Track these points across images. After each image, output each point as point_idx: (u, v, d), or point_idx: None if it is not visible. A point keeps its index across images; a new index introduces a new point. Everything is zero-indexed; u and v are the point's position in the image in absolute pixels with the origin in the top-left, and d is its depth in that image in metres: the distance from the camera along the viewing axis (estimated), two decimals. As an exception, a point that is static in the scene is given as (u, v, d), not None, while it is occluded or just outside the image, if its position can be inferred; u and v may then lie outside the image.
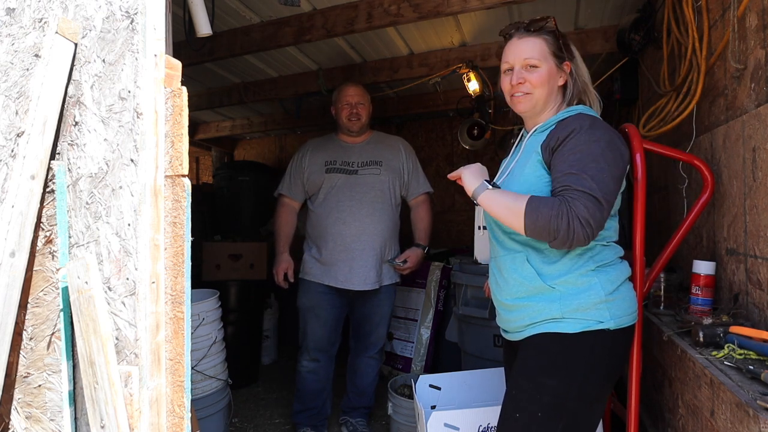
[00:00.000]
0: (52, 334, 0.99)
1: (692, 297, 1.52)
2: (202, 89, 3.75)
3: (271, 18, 2.58)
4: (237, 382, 2.97)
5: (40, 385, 1.00)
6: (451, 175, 1.45)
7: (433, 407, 2.14)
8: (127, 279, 0.97)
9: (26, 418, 1.01)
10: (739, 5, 1.38)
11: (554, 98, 1.39)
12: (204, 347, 2.37)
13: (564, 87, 1.40)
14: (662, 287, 1.69)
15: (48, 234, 1.01)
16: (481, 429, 1.84)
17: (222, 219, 4.38)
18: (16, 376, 1.01)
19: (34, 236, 1.00)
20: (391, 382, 2.70)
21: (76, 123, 1.02)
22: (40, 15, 1.06)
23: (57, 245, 1.00)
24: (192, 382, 1.91)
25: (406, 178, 2.66)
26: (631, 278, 1.39)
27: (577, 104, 1.40)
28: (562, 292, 1.27)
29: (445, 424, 1.84)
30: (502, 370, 1.70)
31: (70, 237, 1.02)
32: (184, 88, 1.05)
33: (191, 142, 2.95)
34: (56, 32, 1.01)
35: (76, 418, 1.00)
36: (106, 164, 1.00)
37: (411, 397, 2.43)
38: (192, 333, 1.97)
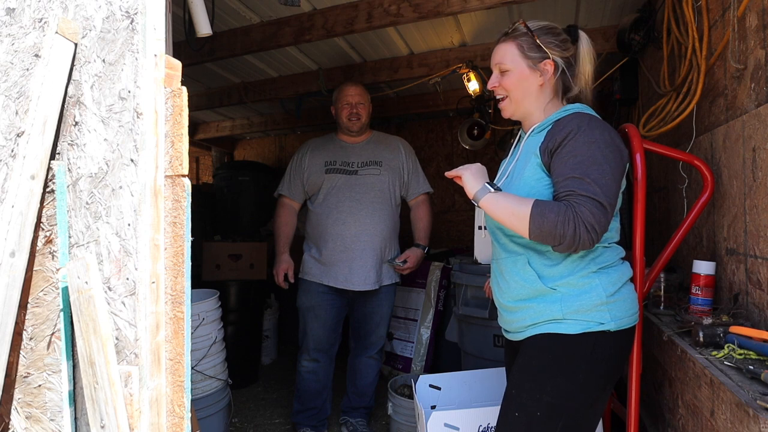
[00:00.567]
0: (52, 334, 0.99)
1: (692, 297, 1.52)
2: (202, 89, 3.75)
3: (271, 18, 2.58)
4: (237, 382, 2.97)
5: (40, 385, 1.00)
6: (450, 174, 1.42)
7: (433, 407, 2.14)
8: (127, 279, 0.97)
9: (26, 418, 1.01)
10: (739, 5, 1.38)
11: (539, 98, 1.38)
12: (204, 347, 2.37)
13: (555, 85, 1.39)
14: (662, 287, 1.70)
15: (48, 234, 1.01)
16: (481, 429, 1.84)
17: (222, 219, 4.38)
18: (16, 376, 1.01)
19: (34, 236, 1.00)
20: (391, 382, 2.70)
21: (76, 123, 1.03)
22: (40, 15, 1.06)
23: (57, 245, 1.00)
24: (192, 382, 1.92)
25: (406, 178, 2.66)
26: (632, 279, 1.39)
27: (574, 101, 1.40)
28: (563, 294, 1.27)
29: (445, 424, 1.84)
30: (502, 370, 1.70)
31: (70, 237, 1.02)
32: (184, 88, 1.05)
33: (191, 142, 2.95)
34: (56, 32, 1.01)
35: (76, 418, 1.00)
36: (106, 164, 1.00)
37: (411, 397, 2.44)
38: (192, 333, 1.97)
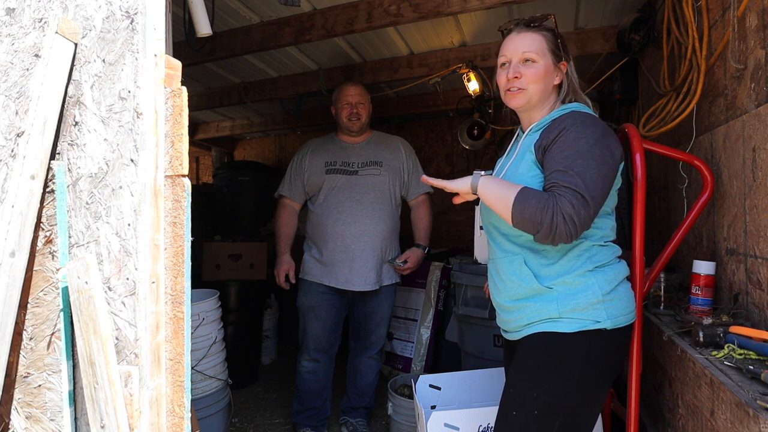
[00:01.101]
0: (52, 334, 0.99)
1: (692, 297, 1.52)
2: (202, 89, 3.75)
3: (271, 18, 2.58)
4: (237, 382, 2.97)
5: (40, 385, 1.00)
6: (436, 183, 1.37)
7: (433, 407, 2.14)
8: (127, 279, 0.97)
9: (26, 418, 1.01)
10: (739, 5, 1.38)
11: (549, 97, 1.38)
12: (204, 347, 2.37)
13: (560, 86, 1.39)
14: (662, 287, 1.70)
15: (48, 234, 1.01)
16: (481, 429, 1.84)
17: (222, 219, 4.37)
18: (16, 376, 1.01)
19: (34, 236, 1.00)
20: (391, 382, 2.70)
21: (76, 123, 1.03)
22: (40, 15, 1.06)
23: (57, 245, 1.00)
24: (192, 382, 1.92)
25: (406, 179, 2.66)
26: (629, 278, 1.39)
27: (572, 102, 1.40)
28: (559, 293, 1.28)
29: (445, 424, 1.84)
30: (502, 370, 1.70)
31: (70, 237, 1.02)
32: (184, 88, 1.05)
33: (191, 142, 2.95)
34: (56, 32, 1.01)
35: (76, 418, 1.00)
36: (106, 164, 1.00)
37: (411, 397, 2.44)
38: (192, 333, 1.97)
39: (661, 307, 1.69)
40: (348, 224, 2.48)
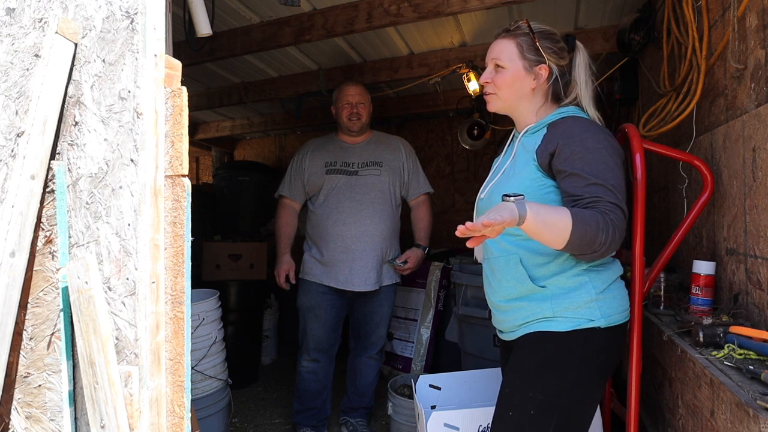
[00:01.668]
0: (52, 334, 0.99)
1: (692, 297, 1.52)
2: (202, 89, 3.75)
3: (271, 18, 2.58)
4: (237, 382, 2.97)
5: (40, 385, 1.00)
6: (475, 225, 1.04)
7: (433, 407, 2.14)
8: (127, 279, 0.97)
9: (26, 418, 1.01)
10: (739, 5, 1.38)
11: (529, 101, 1.39)
12: (204, 347, 2.37)
13: (549, 89, 1.39)
14: (662, 287, 1.69)
15: (48, 234, 1.01)
16: (481, 429, 1.84)
17: (222, 219, 4.37)
18: (16, 376, 1.01)
19: (34, 236, 1.00)
20: (391, 382, 2.70)
21: (76, 123, 1.02)
22: (40, 15, 1.06)
23: (57, 245, 1.00)
24: (192, 382, 1.91)
25: (407, 179, 2.65)
26: (624, 276, 1.39)
27: (568, 105, 1.40)
28: (553, 292, 1.28)
29: (445, 424, 1.84)
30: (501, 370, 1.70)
31: (70, 237, 1.02)
32: (184, 88, 1.05)
33: (191, 142, 2.95)
34: (56, 32, 1.01)
35: (76, 418, 1.00)
36: (106, 164, 1.00)
37: (411, 397, 2.43)
38: (192, 333, 1.97)
39: (661, 307, 1.69)
40: (348, 224, 2.48)
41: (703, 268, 1.50)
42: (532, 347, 1.31)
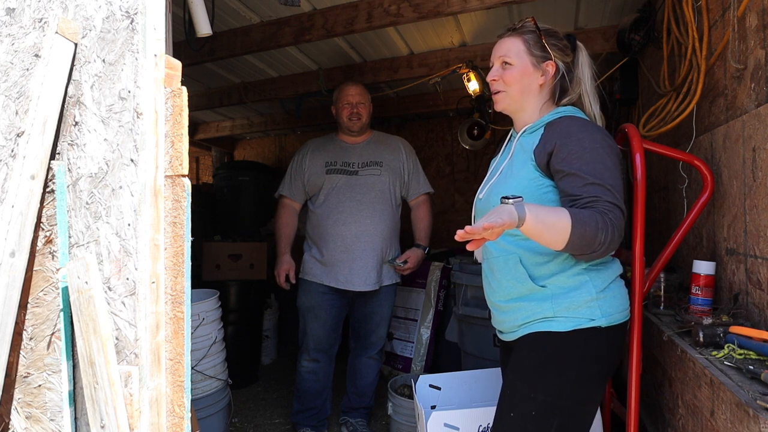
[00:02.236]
0: (52, 334, 0.99)
1: (692, 297, 1.52)
2: (202, 89, 3.75)
3: (271, 18, 2.58)
4: (237, 382, 2.97)
5: (40, 385, 1.00)
6: (474, 229, 1.04)
7: (433, 407, 2.14)
8: (127, 279, 0.97)
9: (26, 418, 1.01)
10: (739, 5, 1.38)
11: (536, 97, 1.39)
12: (204, 347, 2.37)
13: (547, 87, 1.39)
14: (662, 287, 1.69)
15: (48, 234, 1.01)
16: (481, 429, 1.84)
17: (222, 219, 4.38)
18: (16, 376, 1.01)
19: (34, 236, 1.00)
20: (391, 382, 2.70)
21: (76, 123, 1.02)
22: (40, 15, 1.06)
23: (57, 245, 1.00)
24: (192, 382, 1.91)
25: (407, 179, 2.65)
26: (624, 276, 1.39)
27: (567, 105, 1.40)
28: (553, 291, 1.28)
29: (445, 424, 1.84)
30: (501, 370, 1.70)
31: (70, 237, 1.02)
32: (184, 88, 1.05)
33: (191, 142, 2.95)
34: (56, 32, 1.01)
35: (76, 418, 1.00)
36: (106, 164, 1.00)
37: (411, 397, 2.43)
38: (192, 333, 1.97)
39: (661, 307, 1.69)
40: (348, 224, 2.48)
41: (703, 268, 1.50)
42: (532, 348, 1.30)
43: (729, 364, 1.14)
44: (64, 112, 1.03)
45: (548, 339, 1.28)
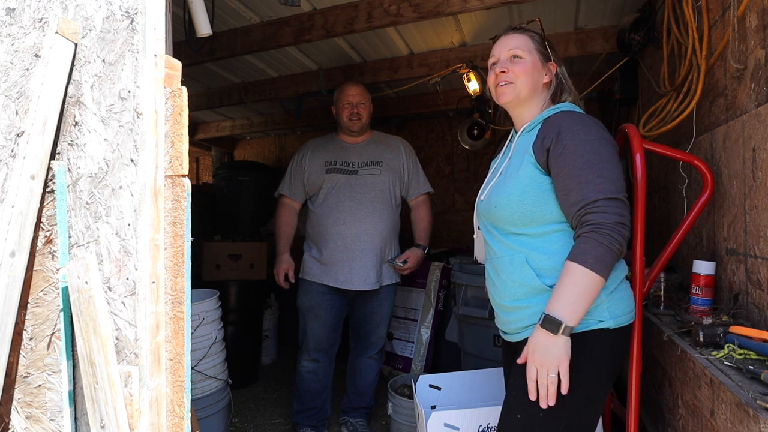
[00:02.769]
0: (52, 334, 0.99)
1: (692, 297, 1.52)
2: (202, 89, 3.75)
3: (271, 18, 2.58)
4: (237, 382, 2.97)
5: (40, 385, 1.00)
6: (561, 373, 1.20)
7: (433, 407, 2.14)
8: (127, 279, 0.97)
9: (26, 418, 1.01)
10: (739, 5, 1.38)
11: (539, 95, 1.40)
12: (204, 347, 2.37)
13: (550, 86, 1.41)
14: (662, 287, 1.69)
15: (48, 234, 1.01)
16: (481, 429, 1.84)
17: (222, 219, 4.38)
18: (16, 376, 1.01)
19: (34, 236, 1.00)
20: (391, 382, 2.70)
21: (76, 123, 1.02)
22: (40, 15, 1.06)
23: (57, 245, 1.00)
24: (192, 382, 1.92)
25: (407, 179, 2.65)
26: (629, 277, 1.39)
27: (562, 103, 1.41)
28: None
29: (445, 424, 1.84)
30: (502, 370, 1.70)
31: (70, 237, 1.02)
32: (184, 88, 1.05)
33: (191, 142, 2.95)
34: (56, 32, 1.01)
35: (76, 418, 1.00)
36: (106, 164, 1.00)
37: (411, 397, 2.44)
38: (192, 333, 1.97)
39: (661, 307, 1.69)
40: (348, 224, 2.48)
41: (703, 268, 1.50)
42: None
43: (729, 364, 1.14)
44: (64, 112, 1.03)
45: None
